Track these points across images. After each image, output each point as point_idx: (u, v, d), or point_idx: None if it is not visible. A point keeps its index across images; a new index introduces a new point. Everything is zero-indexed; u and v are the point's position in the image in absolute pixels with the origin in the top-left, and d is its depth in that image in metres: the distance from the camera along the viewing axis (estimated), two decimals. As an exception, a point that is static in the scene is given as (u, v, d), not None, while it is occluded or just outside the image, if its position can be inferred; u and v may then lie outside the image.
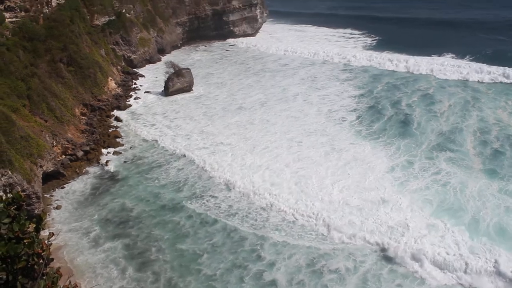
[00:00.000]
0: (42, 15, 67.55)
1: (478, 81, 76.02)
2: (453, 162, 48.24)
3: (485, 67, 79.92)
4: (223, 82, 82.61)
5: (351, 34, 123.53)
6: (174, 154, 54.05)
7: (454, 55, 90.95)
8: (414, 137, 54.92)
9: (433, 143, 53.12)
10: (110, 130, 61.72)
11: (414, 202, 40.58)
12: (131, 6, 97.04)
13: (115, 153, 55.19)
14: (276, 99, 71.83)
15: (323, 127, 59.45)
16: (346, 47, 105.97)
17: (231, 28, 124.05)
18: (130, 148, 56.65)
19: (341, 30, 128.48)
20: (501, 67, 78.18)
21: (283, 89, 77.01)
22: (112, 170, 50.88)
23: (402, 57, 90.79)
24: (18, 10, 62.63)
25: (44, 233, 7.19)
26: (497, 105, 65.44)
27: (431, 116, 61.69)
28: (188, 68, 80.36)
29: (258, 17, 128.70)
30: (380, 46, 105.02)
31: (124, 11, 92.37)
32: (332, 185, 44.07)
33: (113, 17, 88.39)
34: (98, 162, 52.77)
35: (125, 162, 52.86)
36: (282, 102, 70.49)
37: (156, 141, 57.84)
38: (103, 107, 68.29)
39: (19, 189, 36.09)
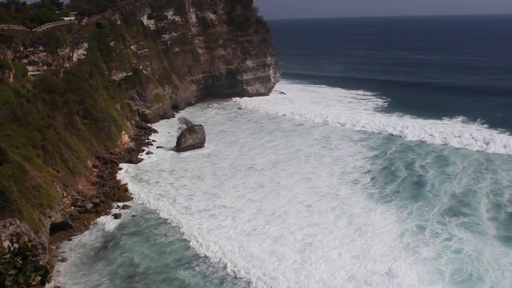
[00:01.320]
0: (63, 69, 69.84)
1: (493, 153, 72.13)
2: (466, 228, 47.14)
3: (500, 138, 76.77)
4: (236, 141, 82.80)
5: (363, 95, 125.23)
6: (164, 218, 52.07)
7: (465, 118, 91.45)
8: (427, 200, 54.09)
9: (446, 207, 52.27)
10: (120, 184, 61.88)
11: (425, 274, 38.77)
12: (148, 63, 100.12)
13: (124, 206, 55.03)
14: (288, 160, 70.99)
15: (335, 190, 58.12)
16: (357, 109, 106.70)
17: (245, 87, 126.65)
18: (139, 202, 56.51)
19: (353, 91, 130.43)
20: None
21: (296, 149, 76.54)
22: (120, 224, 50.53)
23: (417, 123, 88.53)
24: (41, 64, 64.84)
25: (49, 286, 6.96)
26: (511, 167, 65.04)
27: (444, 178, 61.25)
28: (200, 125, 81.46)
29: (271, 77, 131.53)
30: (392, 107, 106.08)
31: (141, 67, 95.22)
32: (338, 256, 42.09)
33: (130, 73, 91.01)
34: (107, 215, 52.59)
35: (133, 216, 52.65)
36: (294, 162, 69.57)
37: (156, 201, 56.54)
38: (115, 160, 68.89)
39: (26, 239, 35.72)
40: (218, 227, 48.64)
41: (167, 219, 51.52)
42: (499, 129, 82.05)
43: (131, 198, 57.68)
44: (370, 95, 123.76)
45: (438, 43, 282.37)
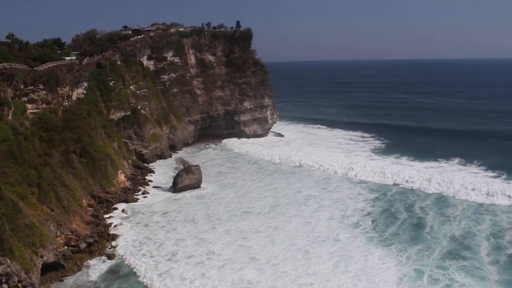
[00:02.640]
0: (61, 107, 70.19)
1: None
2: (466, 272, 46.27)
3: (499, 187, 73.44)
4: (234, 182, 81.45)
5: (361, 136, 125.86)
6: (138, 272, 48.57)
7: (462, 160, 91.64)
8: (426, 243, 53.31)
9: (446, 250, 51.44)
10: (114, 224, 60.80)
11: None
12: (146, 103, 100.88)
13: (110, 256, 53.42)
14: (288, 202, 69.37)
15: (335, 234, 56.53)
16: (355, 151, 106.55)
17: (242, 128, 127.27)
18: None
19: (351, 132, 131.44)
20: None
21: (295, 191, 75.35)
22: (114, 265, 49.34)
23: (417, 171, 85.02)
24: (40, 102, 65.20)
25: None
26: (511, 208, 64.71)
27: (444, 220, 60.81)
28: (197, 165, 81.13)
29: (269, 118, 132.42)
30: (389, 149, 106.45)
31: (139, 107, 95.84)
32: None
33: (129, 113, 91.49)
34: (101, 255, 51.42)
35: (139, 251, 52.08)
36: (294, 206, 68.02)
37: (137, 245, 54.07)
38: (111, 199, 68.15)
39: (16, 280, 34.66)
40: (202, 277, 45.91)
41: (138, 276, 47.27)
42: (497, 171, 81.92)
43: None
44: (368, 137, 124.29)
45: (436, 87, 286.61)
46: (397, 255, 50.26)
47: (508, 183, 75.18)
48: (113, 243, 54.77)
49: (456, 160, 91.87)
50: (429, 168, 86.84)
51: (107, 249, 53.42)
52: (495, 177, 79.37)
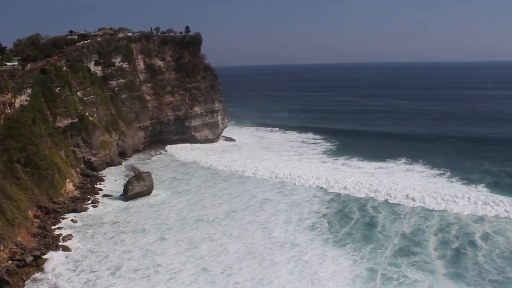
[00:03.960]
0: (3, 115, 66.84)
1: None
2: (416, 267, 47.80)
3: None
4: (189, 189, 79.47)
5: (313, 139, 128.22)
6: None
7: (409, 160, 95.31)
8: (379, 242, 54.72)
9: (397, 247, 52.96)
10: (63, 235, 58.36)
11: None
12: (94, 109, 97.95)
13: (68, 257, 51.72)
14: (243, 208, 68.29)
15: (292, 238, 56.10)
16: (307, 153, 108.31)
17: (193, 133, 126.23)
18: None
19: (303, 135, 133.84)
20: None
21: (251, 196, 74.68)
22: (60, 277, 47.10)
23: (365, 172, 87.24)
24: (-21, 110, 61.90)
25: None
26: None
27: (395, 218, 62.77)
28: (148, 172, 79.52)
29: (220, 123, 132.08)
30: (339, 151, 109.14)
31: (87, 114, 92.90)
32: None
33: (76, 120, 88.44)
34: (43, 270, 48.42)
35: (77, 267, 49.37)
36: (249, 211, 66.96)
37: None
38: (59, 209, 65.52)
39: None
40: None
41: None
42: (442, 169, 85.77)
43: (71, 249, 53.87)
44: (319, 139, 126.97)
45: (385, 90, 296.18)
46: (352, 255, 51.15)
47: (452, 181, 78.90)
48: (48, 261, 50.49)
49: (403, 160, 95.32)
50: (377, 169, 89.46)
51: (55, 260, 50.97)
52: (440, 174, 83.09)
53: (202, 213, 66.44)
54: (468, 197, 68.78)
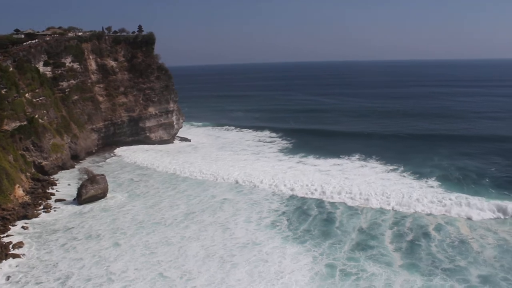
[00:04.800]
0: None
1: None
2: (374, 260, 49.24)
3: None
4: (147, 192, 77.73)
5: (269, 137, 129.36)
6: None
7: (362, 156, 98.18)
8: (337, 237, 55.87)
9: (354, 242, 54.31)
10: (13, 242, 55.82)
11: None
12: (44, 111, 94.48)
13: (19, 266, 49.62)
14: (202, 209, 67.27)
15: (253, 237, 55.90)
16: (264, 152, 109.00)
17: (148, 134, 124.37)
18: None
19: (260, 133, 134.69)
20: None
21: (210, 196, 73.92)
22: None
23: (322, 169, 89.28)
24: None
25: None
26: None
27: (352, 214, 64.31)
28: (102, 175, 77.53)
29: (175, 123, 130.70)
30: (296, 148, 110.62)
31: (36, 116, 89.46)
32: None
33: (25, 122, 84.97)
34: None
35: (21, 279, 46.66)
36: (209, 212, 66.11)
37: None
38: (8, 216, 62.88)
39: None
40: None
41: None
42: (395, 164, 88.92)
43: (20, 256, 51.47)
44: (276, 137, 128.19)
45: (339, 88, 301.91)
46: (312, 251, 51.89)
47: (404, 176, 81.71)
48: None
49: (357, 156, 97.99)
50: (333, 166, 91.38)
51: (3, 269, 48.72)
52: (393, 170, 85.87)
53: (159, 216, 64.84)
54: (420, 198, 68.40)
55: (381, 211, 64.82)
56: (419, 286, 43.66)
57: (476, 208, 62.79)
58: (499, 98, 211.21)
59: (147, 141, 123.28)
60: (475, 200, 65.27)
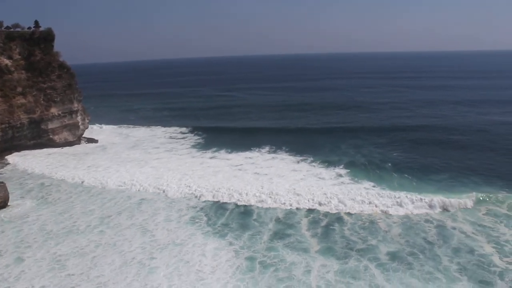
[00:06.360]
0: None
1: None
2: (291, 248, 51.07)
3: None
4: (53, 198, 71.70)
5: (181, 133, 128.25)
6: None
7: (272, 148, 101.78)
8: (256, 229, 57.07)
9: (272, 232, 55.89)
10: None
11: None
12: None
13: None
14: (119, 211, 63.96)
15: (174, 236, 54.56)
16: (178, 149, 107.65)
17: (51, 136, 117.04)
18: None
19: (171, 130, 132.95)
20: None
21: (126, 197, 71.05)
22: None
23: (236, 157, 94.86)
24: None
25: None
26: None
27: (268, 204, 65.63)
28: (2, 182, 71.46)
29: (80, 123, 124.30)
30: (207, 144, 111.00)
31: None
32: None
33: None
34: None
35: None
36: (126, 214, 63.03)
37: None
38: None
39: None
40: None
41: None
42: (304, 155, 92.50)
43: None
44: (187, 133, 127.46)
45: (249, 83, 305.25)
46: (233, 245, 52.30)
47: (314, 165, 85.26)
48: None
49: (267, 148, 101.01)
50: (245, 159, 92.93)
51: None
52: (303, 160, 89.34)
53: (71, 223, 60.16)
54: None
55: (296, 200, 66.70)
56: (335, 269, 46.03)
57: (379, 197, 65.29)
58: (402, 89, 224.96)
59: (50, 143, 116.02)
60: (377, 189, 68.47)
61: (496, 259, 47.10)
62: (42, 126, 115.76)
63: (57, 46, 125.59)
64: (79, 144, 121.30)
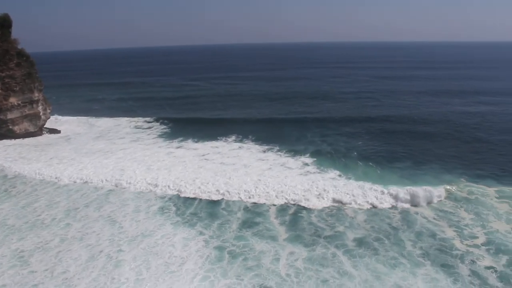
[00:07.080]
0: None
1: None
2: (260, 236, 51.34)
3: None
4: (15, 191, 68.48)
5: (146, 122, 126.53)
6: None
7: (239, 137, 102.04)
8: (224, 218, 57.16)
9: (241, 220, 56.11)
10: None
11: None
12: None
13: None
14: (86, 203, 61.74)
15: (143, 228, 53.21)
16: (143, 139, 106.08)
17: (10, 127, 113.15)
18: None
19: (136, 119, 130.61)
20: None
21: (93, 188, 68.87)
22: None
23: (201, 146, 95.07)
24: None
25: None
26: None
27: (234, 194, 65.69)
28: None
29: (41, 113, 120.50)
30: (174, 133, 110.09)
31: None
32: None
33: None
34: None
35: None
36: (94, 205, 61.12)
37: None
38: None
39: None
40: None
41: None
42: (271, 144, 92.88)
43: None
44: (152, 121, 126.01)
45: (211, 72, 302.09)
46: (202, 235, 52.06)
47: (280, 155, 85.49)
48: None
49: (233, 137, 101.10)
50: (211, 148, 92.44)
51: None
52: (269, 149, 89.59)
53: (34, 216, 57.75)
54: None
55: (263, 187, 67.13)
56: (304, 257, 46.58)
57: (346, 189, 64.33)
58: (367, 79, 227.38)
59: (10, 135, 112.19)
60: (342, 180, 68.08)
61: (457, 242, 48.81)
62: (1, 117, 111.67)
63: (17, 32, 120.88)
64: (41, 135, 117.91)
